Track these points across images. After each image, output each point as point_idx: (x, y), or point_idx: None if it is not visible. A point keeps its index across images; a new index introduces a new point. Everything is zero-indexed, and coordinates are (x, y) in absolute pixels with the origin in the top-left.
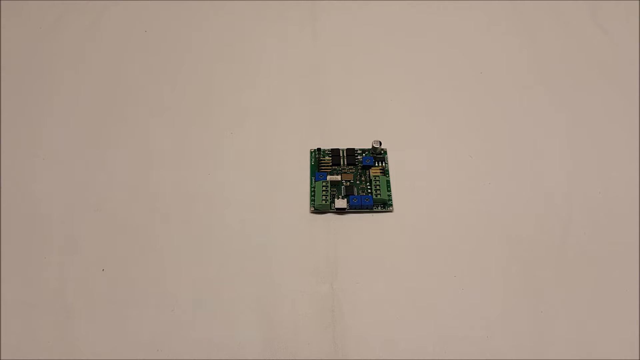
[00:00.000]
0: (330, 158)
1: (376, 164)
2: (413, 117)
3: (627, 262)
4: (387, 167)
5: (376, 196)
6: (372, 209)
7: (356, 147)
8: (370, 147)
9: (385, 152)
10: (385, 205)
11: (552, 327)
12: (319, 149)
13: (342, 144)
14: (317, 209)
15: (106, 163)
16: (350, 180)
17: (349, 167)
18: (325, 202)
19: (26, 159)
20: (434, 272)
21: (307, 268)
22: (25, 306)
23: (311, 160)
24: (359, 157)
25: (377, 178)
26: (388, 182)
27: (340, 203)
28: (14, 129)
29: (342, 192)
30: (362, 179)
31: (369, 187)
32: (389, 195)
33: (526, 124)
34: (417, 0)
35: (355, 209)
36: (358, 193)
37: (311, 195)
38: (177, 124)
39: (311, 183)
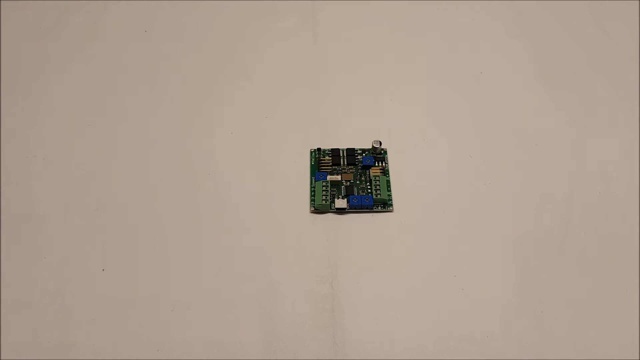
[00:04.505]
0: (330, 158)
1: (376, 164)
2: (413, 117)
3: (627, 262)
4: (387, 167)
5: (376, 196)
6: (372, 209)
7: (356, 147)
8: (370, 147)
9: (385, 152)
10: (385, 205)
11: (552, 327)
12: (319, 149)
13: (342, 144)
14: (317, 209)
15: (106, 163)
16: (350, 180)
17: (349, 167)
18: (325, 202)
19: (26, 158)
20: (434, 272)
21: (307, 268)
22: (25, 306)
23: (311, 160)
24: (359, 157)
25: (377, 178)
26: (388, 182)
27: (340, 203)
28: (13, 129)
29: (342, 192)
30: (362, 179)
31: (369, 187)
32: (389, 195)
33: (526, 123)
34: (418, 0)
35: (355, 209)
36: (358, 193)
37: (311, 195)
38: (176, 123)
39: (311, 183)
